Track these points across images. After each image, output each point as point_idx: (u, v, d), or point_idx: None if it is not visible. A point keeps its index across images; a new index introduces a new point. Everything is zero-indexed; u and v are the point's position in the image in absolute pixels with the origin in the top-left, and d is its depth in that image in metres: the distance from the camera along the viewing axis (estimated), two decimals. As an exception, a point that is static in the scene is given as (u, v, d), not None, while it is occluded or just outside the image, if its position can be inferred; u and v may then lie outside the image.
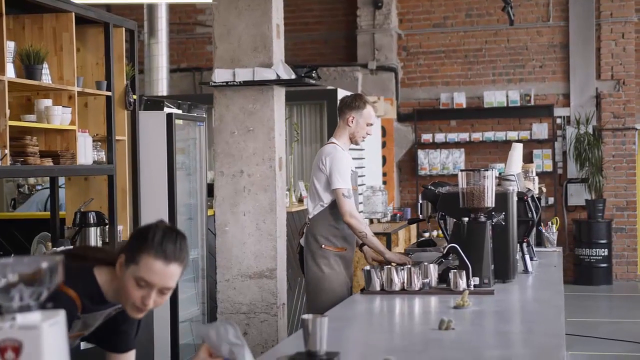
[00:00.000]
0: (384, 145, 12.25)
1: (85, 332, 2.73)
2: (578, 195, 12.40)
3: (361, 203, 9.72)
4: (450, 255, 4.40)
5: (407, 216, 11.11)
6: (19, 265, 1.74)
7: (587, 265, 12.08)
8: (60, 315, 1.77)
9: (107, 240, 5.54)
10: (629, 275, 12.41)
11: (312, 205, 5.24)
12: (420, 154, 12.76)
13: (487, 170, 4.39)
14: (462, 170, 4.42)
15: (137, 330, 2.91)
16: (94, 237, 5.34)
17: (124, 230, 5.79)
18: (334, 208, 5.12)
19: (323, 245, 5.15)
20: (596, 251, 12.05)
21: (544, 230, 6.37)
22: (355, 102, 5.25)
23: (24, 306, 1.74)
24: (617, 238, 12.35)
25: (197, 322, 6.77)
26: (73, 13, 5.14)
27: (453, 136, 12.68)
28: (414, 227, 11.11)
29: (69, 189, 5.71)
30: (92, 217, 5.35)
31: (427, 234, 12.31)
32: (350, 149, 9.04)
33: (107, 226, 5.51)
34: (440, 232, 12.04)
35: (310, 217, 5.25)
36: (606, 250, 12.07)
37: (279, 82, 5.74)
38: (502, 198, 4.51)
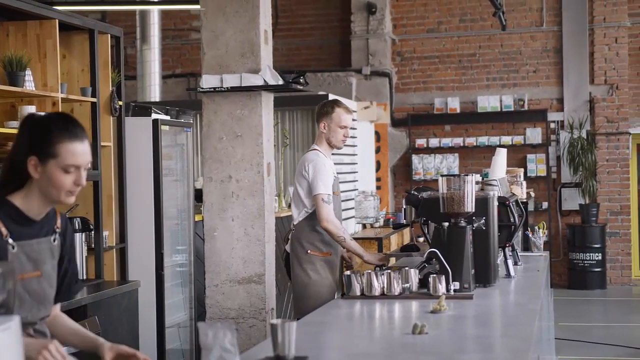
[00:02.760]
0: (378, 150, 12.27)
1: (40, 271, 2.68)
2: (572, 200, 12.41)
3: (352, 208, 9.75)
4: (433, 260, 4.40)
5: (400, 221, 11.11)
6: (-29, 271, 1.76)
7: (580, 269, 12.08)
8: (14, 321, 1.79)
9: (92, 246, 5.55)
10: (623, 280, 12.42)
11: (296, 212, 5.35)
12: (415, 159, 12.78)
13: (468, 175, 4.40)
14: (442, 176, 4.44)
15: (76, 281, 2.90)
16: (79, 242, 5.35)
17: (109, 236, 5.80)
18: None
19: (309, 251, 5.24)
20: (590, 255, 12.06)
21: (530, 235, 6.38)
22: (324, 108, 5.39)
23: (-24, 311, 1.76)
24: (611, 242, 12.36)
25: (185, 327, 6.78)
26: (57, 20, 5.16)
27: (447, 141, 12.70)
28: (407, 231, 11.12)
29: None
30: (77, 223, 5.36)
31: (421, 239, 12.31)
32: (341, 154, 9.06)
33: (92, 232, 5.53)
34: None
35: (294, 223, 5.35)
36: (600, 254, 12.08)
37: (266, 87, 5.76)
38: (482, 203, 4.52)
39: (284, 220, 7.63)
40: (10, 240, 2.60)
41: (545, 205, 12.40)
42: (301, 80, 6.06)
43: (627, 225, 12.45)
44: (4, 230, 2.60)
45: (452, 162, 12.70)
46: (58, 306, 2.92)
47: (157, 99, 10.66)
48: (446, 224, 4.38)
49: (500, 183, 5.24)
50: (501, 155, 5.49)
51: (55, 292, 2.77)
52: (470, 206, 4.37)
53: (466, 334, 3.45)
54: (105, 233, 5.71)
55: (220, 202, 5.68)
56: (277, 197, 8.14)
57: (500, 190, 5.07)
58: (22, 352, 1.82)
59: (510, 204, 5.00)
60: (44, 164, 2.63)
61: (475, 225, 4.45)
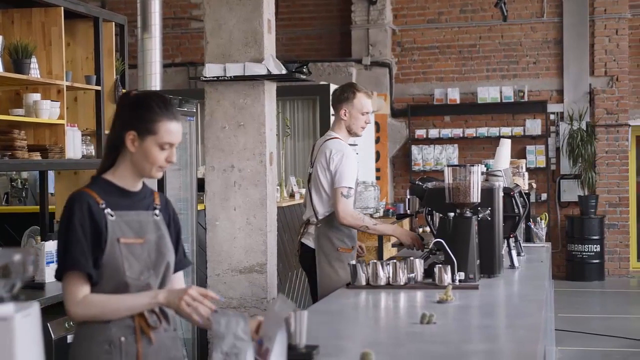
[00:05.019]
0: (377, 140, 12.27)
1: (142, 239, 2.82)
2: (571, 191, 12.43)
3: (353, 198, 9.74)
4: (437, 250, 4.41)
5: (400, 211, 11.12)
6: (-9, 258, 1.76)
7: (579, 261, 12.11)
8: (34, 307, 1.79)
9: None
10: (621, 272, 12.45)
11: (320, 205, 5.09)
12: (414, 149, 12.78)
13: (473, 165, 4.40)
14: (448, 166, 4.43)
15: (180, 246, 3.01)
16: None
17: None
18: None
19: (339, 248, 5.03)
20: (588, 247, 12.08)
21: (532, 226, 6.39)
22: (344, 93, 5.13)
23: (-4, 298, 1.76)
24: (609, 234, 12.38)
25: (187, 316, 6.77)
26: (62, 7, 5.15)
27: (447, 132, 12.71)
28: (407, 222, 11.14)
29: (59, 183, 5.73)
30: (81, 212, 5.34)
31: (421, 230, 12.33)
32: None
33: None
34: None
35: (319, 217, 5.08)
36: (598, 246, 12.11)
37: (269, 77, 5.75)
38: (488, 193, 4.52)
39: (286, 210, 7.63)
40: (108, 210, 2.77)
41: (544, 196, 12.41)
42: (304, 69, 6.05)
43: (626, 217, 12.47)
44: (100, 200, 2.76)
45: (451, 153, 12.70)
46: (177, 279, 3.02)
47: (158, 88, 10.59)
48: (452, 214, 4.38)
49: (505, 174, 5.24)
50: (505, 146, 5.49)
51: (168, 263, 2.89)
52: (476, 197, 4.37)
53: (474, 324, 3.46)
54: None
55: (223, 191, 5.68)
56: (278, 187, 8.14)
57: (505, 180, 5.08)
58: (41, 338, 1.82)
59: (515, 194, 5.01)
60: (142, 139, 2.78)
61: (480, 215, 4.45)
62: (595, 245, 12.08)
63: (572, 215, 12.34)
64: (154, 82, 10.68)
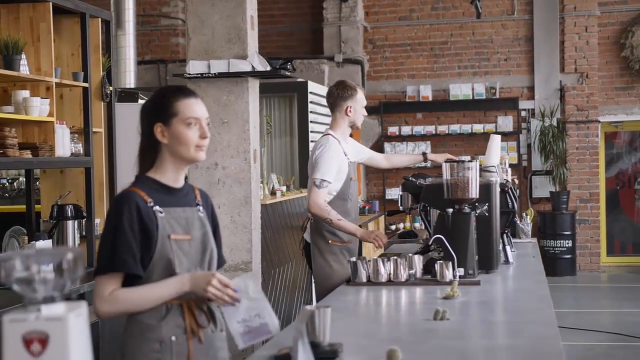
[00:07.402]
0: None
1: (189, 236, 2.80)
2: (542, 187, 12.53)
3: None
4: (432, 246, 4.40)
5: (375, 209, 11.16)
6: (43, 257, 1.72)
7: (551, 256, 12.20)
8: (83, 307, 1.75)
9: (84, 233, 5.47)
10: (592, 266, 12.58)
11: None
12: (387, 146, 12.80)
13: (472, 161, 4.40)
14: (446, 162, 4.43)
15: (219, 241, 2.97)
16: (72, 230, 5.27)
17: (101, 224, 5.71)
18: (337, 202, 5.06)
19: (330, 241, 5.09)
20: (560, 242, 12.19)
21: (518, 222, 6.42)
22: (347, 91, 5.22)
23: (48, 297, 1.72)
24: (580, 229, 12.50)
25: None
26: (50, 3, 5.05)
27: (419, 129, 12.74)
28: (382, 219, 11.16)
29: (45, 182, 5.62)
30: (69, 210, 5.27)
31: (393, 227, 12.36)
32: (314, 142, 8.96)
33: (84, 219, 5.44)
34: (409, 224, 12.05)
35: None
36: (570, 241, 12.22)
37: (254, 74, 5.72)
38: (485, 189, 4.52)
39: (268, 207, 7.58)
40: (156, 207, 2.76)
41: (516, 192, 12.48)
42: (288, 66, 6.03)
43: (596, 212, 12.60)
44: (148, 199, 2.76)
45: (424, 150, 12.73)
46: None
47: (133, 85, 10.51)
48: (450, 210, 4.38)
49: (496, 169, 5.26)
50: (496, 142, 5.49)
51: (210, 259, 2.86)
52: (474, 192, 4.37)
53: (486, 319, 3.45)
54: (97, 220, 5.62)
55: (207, 189, 5.58)
56: (261, 185, 8.09)
57: (499, 176, 5.09)
58: (90, 337, 1.78)
59: (508, 190, 5.03)
60: (168, 125, 2.79)
61: (478, 211, 4.45)
62: (567, 241, 12.20)
63: (544, 211, 12.45)
64: (129, 79, 10.61)
